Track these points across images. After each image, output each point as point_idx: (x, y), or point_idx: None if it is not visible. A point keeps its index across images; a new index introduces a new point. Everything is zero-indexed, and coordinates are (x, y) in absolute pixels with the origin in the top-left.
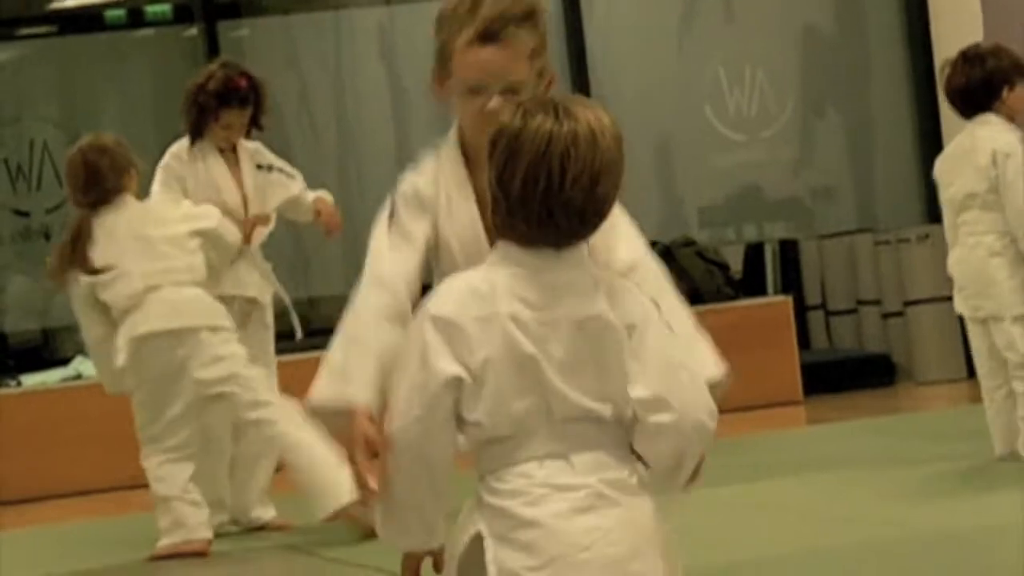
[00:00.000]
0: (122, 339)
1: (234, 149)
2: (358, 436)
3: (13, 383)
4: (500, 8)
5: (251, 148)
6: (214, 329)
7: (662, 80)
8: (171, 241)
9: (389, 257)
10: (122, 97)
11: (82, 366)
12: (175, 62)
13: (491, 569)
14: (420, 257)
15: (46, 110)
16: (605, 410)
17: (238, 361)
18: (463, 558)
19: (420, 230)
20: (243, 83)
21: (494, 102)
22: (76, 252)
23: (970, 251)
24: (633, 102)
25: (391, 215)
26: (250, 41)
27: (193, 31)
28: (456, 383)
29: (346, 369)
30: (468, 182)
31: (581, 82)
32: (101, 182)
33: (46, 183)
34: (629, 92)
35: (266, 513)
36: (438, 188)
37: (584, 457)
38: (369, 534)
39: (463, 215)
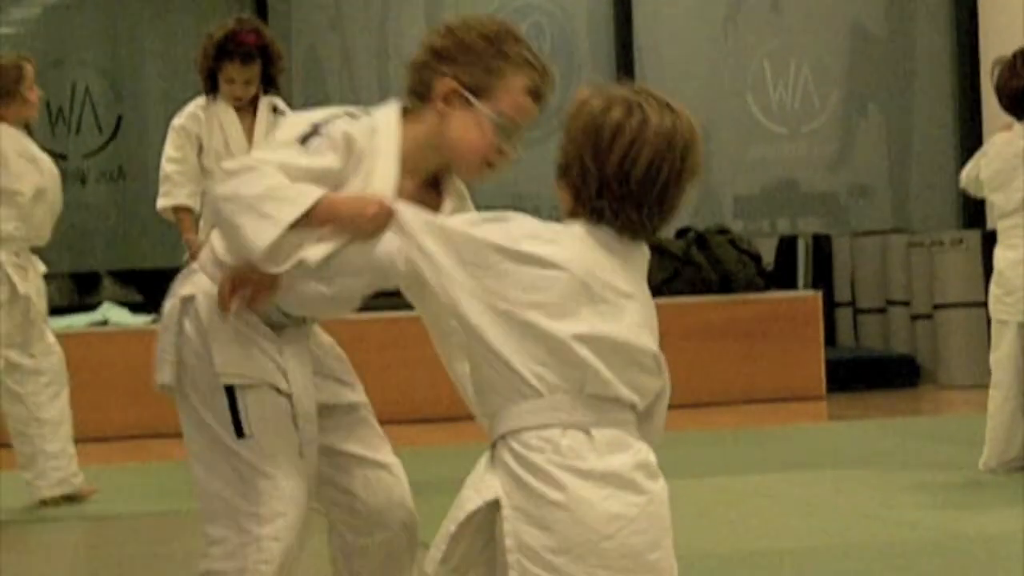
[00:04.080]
0: None
1: (254, 104)
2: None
3: None
4: (552, 79)
5: (271, 101)
6: None
7: (706, 68)
8: None
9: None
10: (165, 48)
11: (110, 312)
12: (220, 17)
13: (508, 541)
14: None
15: (89, 56)
16: (631, 398)
17: None
18: (471, 517)
19: (331, 166)
20: (249, 38)
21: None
22: None
23: None
24: (676, 89)
25: (303, 140)
26: (297, 1)
27: None
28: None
29: (276, 196)
30: (396, 166)
31: (626, 65)
32: None
33: (85, 128)
34: (672, 78)
35: None
36: (367, 149)
37: (605, 433)
38: None
39: (377, 189)
